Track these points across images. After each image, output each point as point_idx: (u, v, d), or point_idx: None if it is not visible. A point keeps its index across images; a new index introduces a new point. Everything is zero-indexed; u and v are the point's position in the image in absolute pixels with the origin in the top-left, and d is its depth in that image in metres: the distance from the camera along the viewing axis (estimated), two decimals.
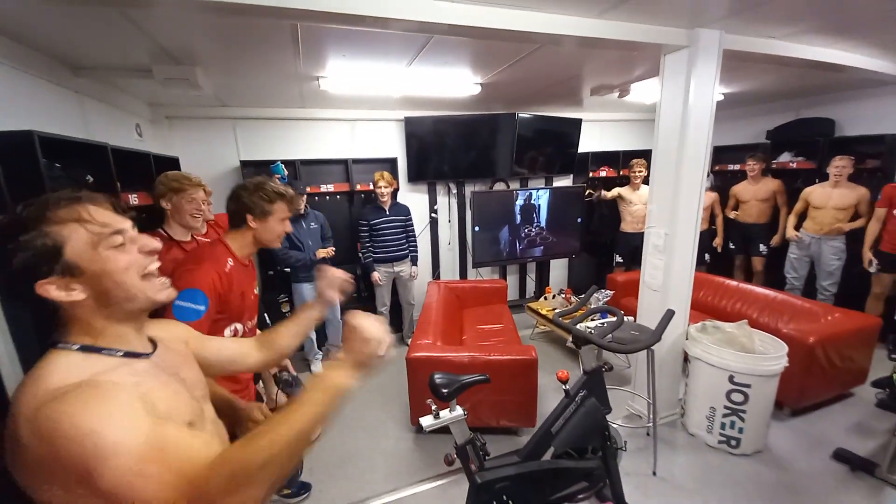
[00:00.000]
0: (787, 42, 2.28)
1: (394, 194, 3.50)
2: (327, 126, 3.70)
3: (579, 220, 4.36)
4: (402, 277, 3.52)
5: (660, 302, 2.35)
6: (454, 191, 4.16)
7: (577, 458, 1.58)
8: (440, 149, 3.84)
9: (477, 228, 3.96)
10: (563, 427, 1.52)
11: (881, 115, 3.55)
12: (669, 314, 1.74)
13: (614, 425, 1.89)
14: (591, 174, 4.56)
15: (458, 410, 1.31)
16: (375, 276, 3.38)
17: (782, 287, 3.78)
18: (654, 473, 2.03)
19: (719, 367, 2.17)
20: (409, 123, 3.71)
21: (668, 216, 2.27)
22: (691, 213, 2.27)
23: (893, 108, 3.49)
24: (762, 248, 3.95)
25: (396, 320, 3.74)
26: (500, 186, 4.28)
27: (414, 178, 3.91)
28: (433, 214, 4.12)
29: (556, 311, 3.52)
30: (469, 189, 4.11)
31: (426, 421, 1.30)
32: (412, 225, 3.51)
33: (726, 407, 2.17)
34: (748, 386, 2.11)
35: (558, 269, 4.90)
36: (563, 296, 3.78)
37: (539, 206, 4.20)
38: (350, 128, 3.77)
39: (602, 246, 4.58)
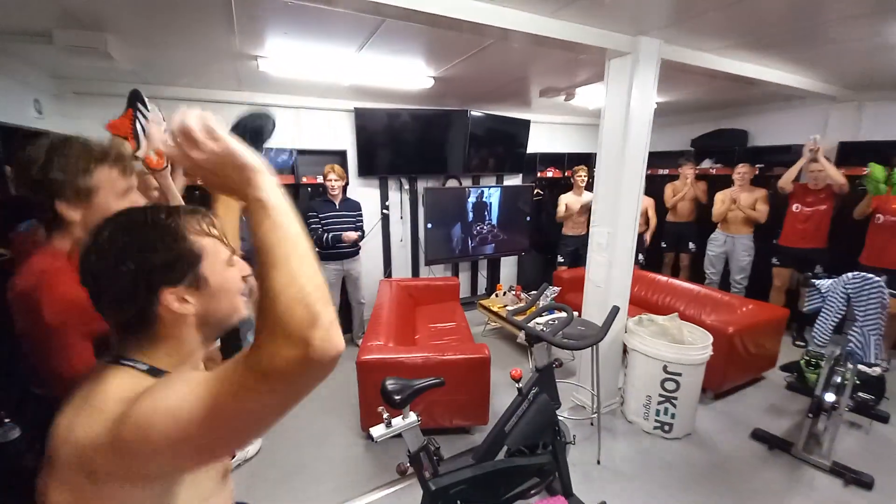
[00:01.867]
0: (715, 56, 2.45)
1: (344, 189, 3.32)
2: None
3: (528, 218, 4.44)
4: (352, 276, 3.36)
5: (603, 297, 2.43)
6: (406, 186, 4.05)
7: (530, 455, 1.57)
8: (392, 143, 3.71)
9: (430, 225, 3.88)
10: (517, 425, 1.50)
11: (788, 127, 3.99)
12: (615, 311, 1.79)
13: (563, 419, 1.92)
14: (538, 174, 4.69)
15: (412, 417, 1.24)
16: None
17: (703, 281, 4.13)
18: (599, 462, 2.10)
19: (654, 357, 2.29)
20: (360, 115, 3.54)
21: (611, 216, 2.35)
22: (631, 214, 2.37)
23: (798, 120, 3.92)
24: (691, 245, 4.28)
25: (346, 320, 3.56)
26: (452, 183, 4.23)
27: (365, 172, 3.75)
28: (385, 210, 3.98)
29: (508, 308, 3.57)
30: (422, 185, 4.02)
31: (377, 431, 1.21)
32: (363, 221, 3.35)
33: (660, 395, 2.30)
34: (679, 374, 2.24)
35: (508, 267, 4.97)
36: (514, 292, 3.83)
37: (491, 203, 4.21)
38: (295, 116, 3.51)
39: (548, 244, 4.71)
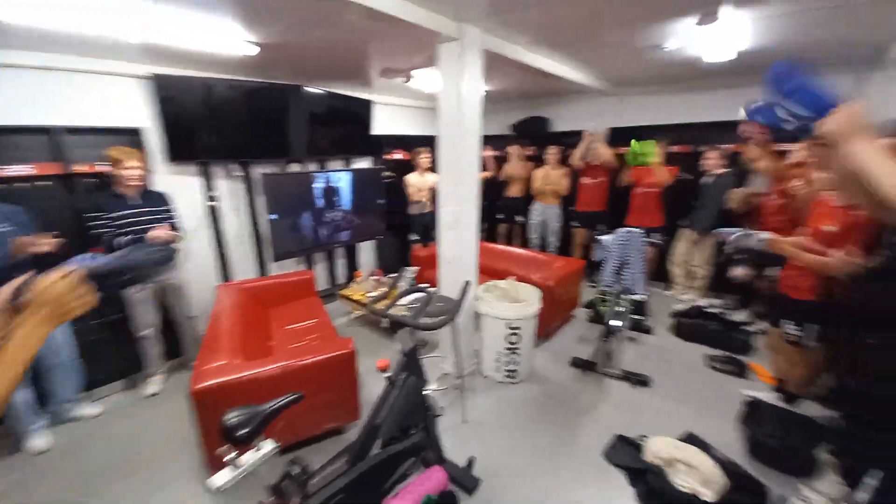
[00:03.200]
0: (524, 49, 2.75)
1: (143, 179, 2.58)
2: (14, 77, 2.37)
3: (381, 201, 4.36)
4: (172, 286, 2.72)
5: (456, 271, 2.58)
6: (239, 173, 3.44)
7: (404, 439, 1.57)
8: (216, 121, 3.04)
9: (274, 216, 3.42)
10: (389, 414, 1.47)
11: (580, 115, 4.87)
12: (467, 285, 1.90)
13: (431, 393, 1.99)
14: (385, 156, 4.62)
15: (268, 446, 1.06)
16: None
17: (529, 245, 4.86)
18: (465, 421, 2.27)
19: (500, 317, 2.57)
20: (164, 84, 2.77)
21: (456, 196, 2.47)
22: (472, 193, 2.54)
23: (587, 110, 4.82)
24: (520, 217, 4.93)
25: (172, 344, 2.87)
26: (295, 168, 3.80)
27: (178, 156, 3.01)
28: (211, 202, 3.31)
29: (370, 294, 3.48)
30: (258, 171, 3.47)
31: (220, 479, 0.99)
32: (174, 218, 2.68)
33: (507, 348, 2.61)
34: (519, 328, 2.58)
35: (367, 251, 4.83)
36: (374, 278, 3.75)
37: (341, 188, 3.96)
38: (58, 81, 2.52)
39: (402, 224, 4.75)
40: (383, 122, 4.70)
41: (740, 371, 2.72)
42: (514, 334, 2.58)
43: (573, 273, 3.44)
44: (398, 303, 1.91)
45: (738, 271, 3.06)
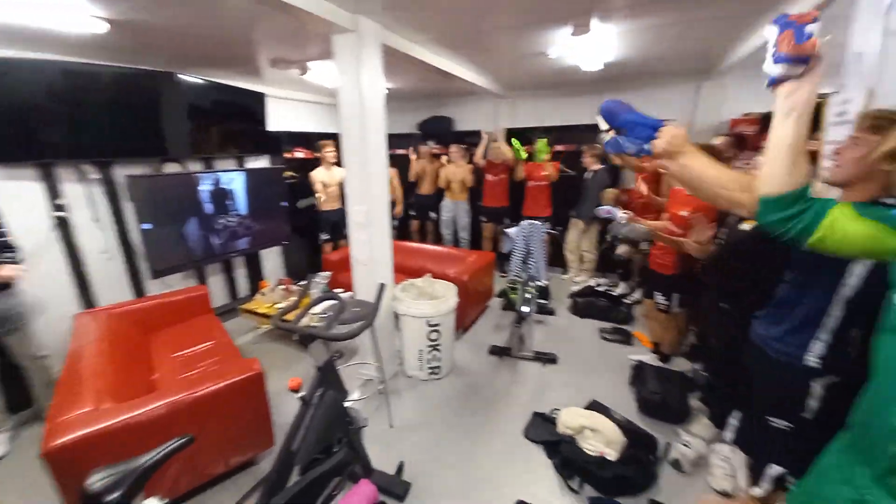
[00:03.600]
0: (422, 48, 2.74)
1: None
2: None
3: (284, 203, 4.00)
4: (10, 318, 2.12)
5: (370, 273, 2.48)
6: (96, 175, 2.82)
7: (326, 459, 1.45)
8: (62, 113, 2.45)
9: (147, 226, 2.90)
10: (306, 437, 1.34)
11: (479, 116, 5.08)
12: (382, 288, 1.83)
13: (353, 404, 1.88)
14: (285, 155, 4.25)
15: None
16: None
17: (442, 242, 4.95)
18: (391, 426, 2.21)
19: (419, 316, 2.55)
20: None
21: (365, 195, 2.37)
22: (382, 191, 2.46)
23: (485, 111, 5.04)
24: (432, 214, 4.96)
25: (14, 393, 2.23)
26: (174, 169, 3.26)
27: (8, 157, 2.35)
28: (59, 213, 2.66)
29: (279, 306, 3.17)
30: (122, 172, 2.88)
31: None
32: (6, 236, 2.08)
33: (428, 345, 2.60)
34: (439, 324, 2.59)
35: (272, 259, 4.39)
36: (282, 287, 3.43)
37: (234, 191, 3.52)
38: None
39: (310, 226, 4.43)
40: (282, 118, 4.32)
41: (627, 339, 3.13)
42: (435, 331, 2.59)
43: (485, 266, 3.58)
44: (310, 312, 1.76)
45: (621, 249, 3.49)
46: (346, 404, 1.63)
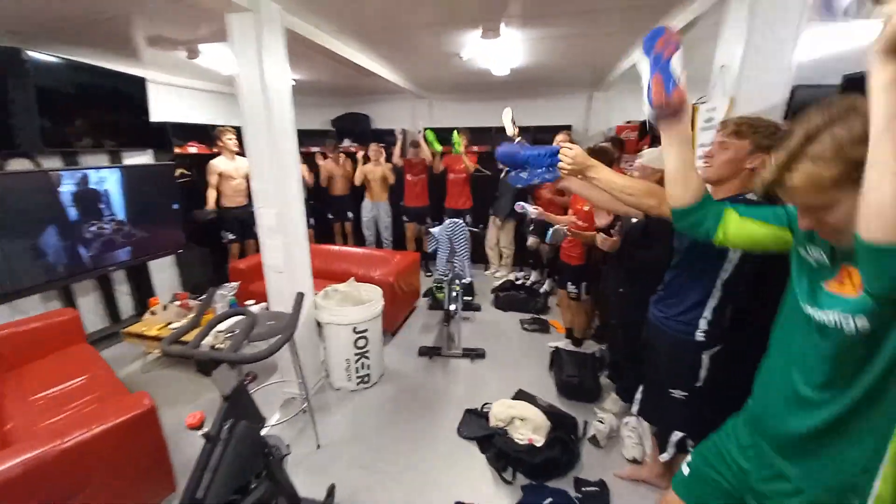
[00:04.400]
0: (333, 38, 2.56)
1: None
2: None
3: (175, 205, 3.44)
4: None
5: (287, 282, 2.25)
6: None
7: (242, 499, 1.25)
8: None
9: None
10: (214, 480, 1.13)
11: (398, 115, 4.97)
12: (300, 298, 1.65)
13: (272, 432, 1.67)
14: (176, 149, 3.66)
15: None
16: None
17: (364, 243, 4.76)
18: (319, 446, 2.02)
19: (345, 323, 2.39)
20: None
21: (275, 196, 2.13)
22: (295, 191, 2.25)
23: (403, 110, 4.95)
24: (350, 215, 4.72)
25: None
26: (21, 165, 2.59)
27: None
28: None
29: (174, 326, 2.70)
30: None
31: None
32: None
33: (356, 353, 2.45)
34: (366, 330, 2.46)
35: (164, 271, 3.76)
36: (178, 303, 2.94)
37: (107, 192, 2.92)
38: None
39: (212, 229, 3.89)
40: (171, 108, 3.73)
41: (545, 328, 3.33)
42: (362, 337, 2.44)
43: (410, 266, 3.51)
44: (215, 330, 1.51)
45: (531, 241, 3.69)
46: (264, 432, 1.44)
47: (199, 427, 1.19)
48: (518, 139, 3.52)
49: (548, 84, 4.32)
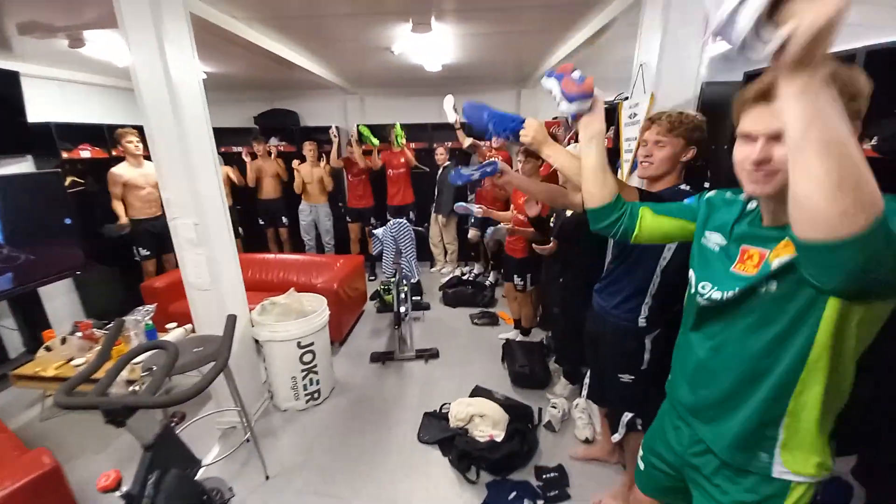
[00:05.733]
0: (247, 27, 2.31)
1: None
2: None
3: (68, 220, 2.90)
4: None
5: (215, 300, 2.00)
6: None
7: None
8: None
9: None
10: None
11: (328, 111, 4.69)
12: (232, 321, 1.46)
13: (211, 472, 1.47)
14: (64, 154, 3.09)
15: None
16: None
17: (304, 249, 4.46)
18: (267, 477, 1.84)
19: (287, 339, 2.20)
20: None
21: (193, 204, 1.87)
22: (216, 197, 1.99)
23: (333, 106, 4.69)
24: (284, 219, 4.38)
25: None
26: None
27: None
28: None
29: (77, 363, 2.27)
30: None
31: None
32: None
33: (302, 370, 2.27)
34: (312, 343, 2.28)
35: (61, 297, 3.19)
36: (80, 335, 2.48)
37: None
38: None
39: (121, 245, 3.37)
40: (56, 106, 3.17)
41: (494, 320, 3.38)
42: (308, 352, 2.27)
43: (355, 270, 3.34)
44: (131, 366, 1.28)
45: (471, 234, 3.71)
46: (201, 474, 1.26)
47: (116, 488, 0.99)
48: (458, 127, 3.52)
49: (479, 81, 4.36)
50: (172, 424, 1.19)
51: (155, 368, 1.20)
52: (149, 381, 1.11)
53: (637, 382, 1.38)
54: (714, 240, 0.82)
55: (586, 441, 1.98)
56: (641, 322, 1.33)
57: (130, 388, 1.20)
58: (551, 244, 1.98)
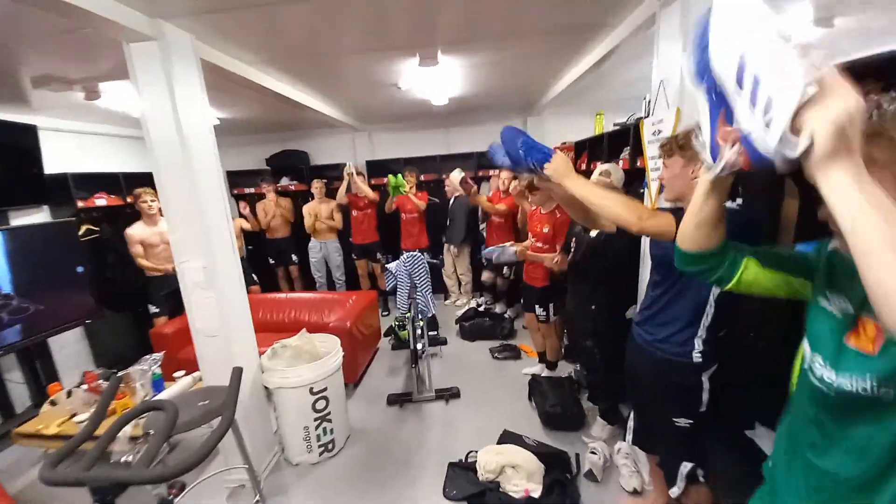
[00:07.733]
0: (256, 70, 2.33)
1: None
2: None
3: (80, 268, 2.88)
4: None
5: (223, 347, 1.89)
6: None
7: None
8: None
9: None
10: None
11: (337, 149, 4.75)
12: (238, 373, 1.34)
13: None
14: (80, 203, 3.12)
15: None
16: None
17: (315, 286, 4.38)
18: None
19: (299, 385, 2.05)
20: None
21: (202, 246, 1.80)
22: (226, 240, 1.92)
23: (342, 144, 4.75)
24: (294, 257, 4.34)
25: None
26: None
27: None
28: None
29: (79, 419, 2.14)
30: None
31: None
32: None
33: (315, 419, 2.10)
34: (325, 389, 2.12)
35: (71, 346, 3.11)
36: (86, 387, 2.37)
37: None
38: None
39: (133, 294, 3.32)
40: (73, 158, 3.24)
41: (516, 354, 3.18)
42: (322, 398, 2.11)
43: (368, 306, 3.21)
44: (127, 429, 1.15)
45: (485, 276, 3.58)
46: None
47: None
48: (472, 191, 3.42)
49: (486, 111, 4.38)
50: (170, 498, 1.04)
51: (152, 433, 1.06)
52: (143, 450, 0.98)
53: (696, 427, 1.19)
54: (838, 304, 0.67)
55: (634, 492, 1.74)
56: (696, 357, 1.16)
57: (123, 459, 1.06)
58: (560, 256, 1.89)
